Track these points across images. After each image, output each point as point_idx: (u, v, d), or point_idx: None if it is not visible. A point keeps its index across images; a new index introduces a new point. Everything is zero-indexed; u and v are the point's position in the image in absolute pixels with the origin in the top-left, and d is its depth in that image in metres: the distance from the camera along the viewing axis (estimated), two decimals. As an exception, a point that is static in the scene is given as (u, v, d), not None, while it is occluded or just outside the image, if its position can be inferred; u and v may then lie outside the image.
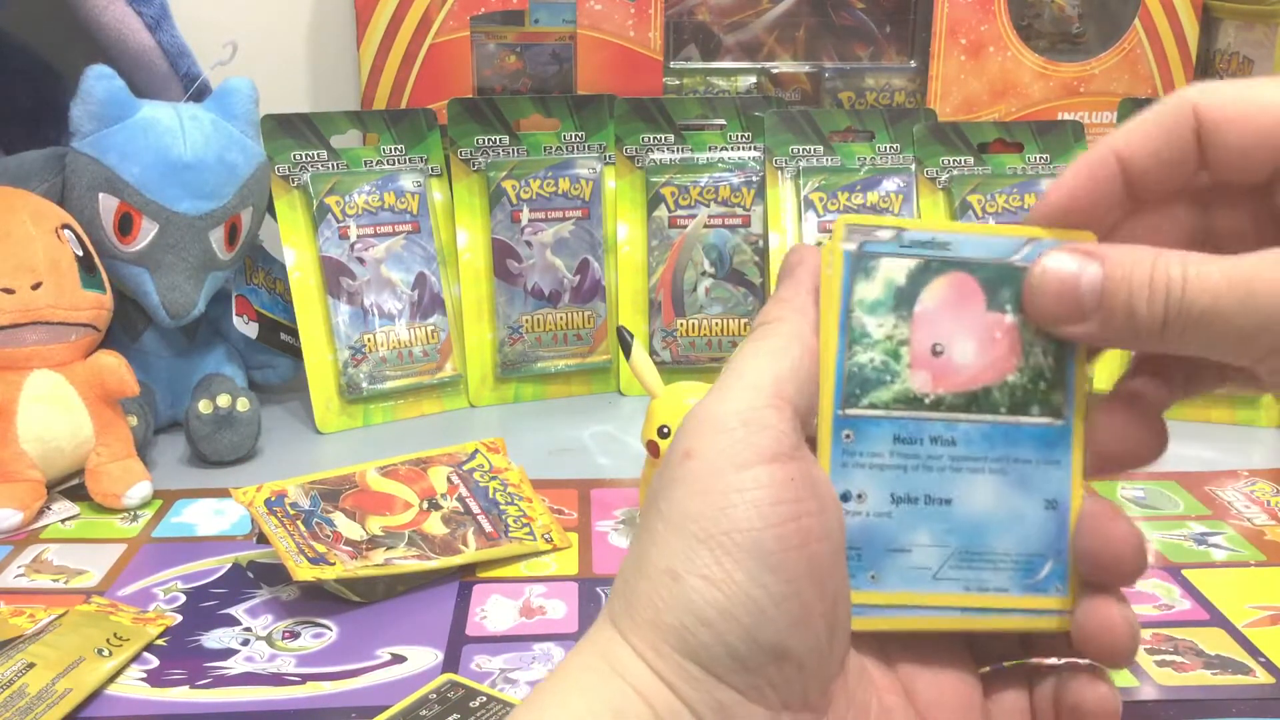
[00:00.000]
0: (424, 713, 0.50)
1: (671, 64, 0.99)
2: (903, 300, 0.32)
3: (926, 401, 0.32)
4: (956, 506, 0.32)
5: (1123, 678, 0.53)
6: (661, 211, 0.90)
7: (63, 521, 0.69)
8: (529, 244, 0.88)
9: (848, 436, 0.32)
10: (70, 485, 0.71)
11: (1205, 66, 1.06)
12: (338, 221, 0.84)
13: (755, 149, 0.91)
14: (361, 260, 0.84)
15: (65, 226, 0.72)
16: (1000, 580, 0.32)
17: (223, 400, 0.75)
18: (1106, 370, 0.89)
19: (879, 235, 0.32)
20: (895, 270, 0.32)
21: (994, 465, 0.32)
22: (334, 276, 0.84)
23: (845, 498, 0.32)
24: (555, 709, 0.29)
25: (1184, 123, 0.30)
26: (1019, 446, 0.32)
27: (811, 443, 0.32)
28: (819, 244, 0.33)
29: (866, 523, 0.32)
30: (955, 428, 0.32)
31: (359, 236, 0.84)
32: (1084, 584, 0.32)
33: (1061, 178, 0.32)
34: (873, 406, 0.32)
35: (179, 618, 0.58)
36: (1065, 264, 0.30)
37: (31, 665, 0.51)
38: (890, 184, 0.91)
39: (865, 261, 0.32)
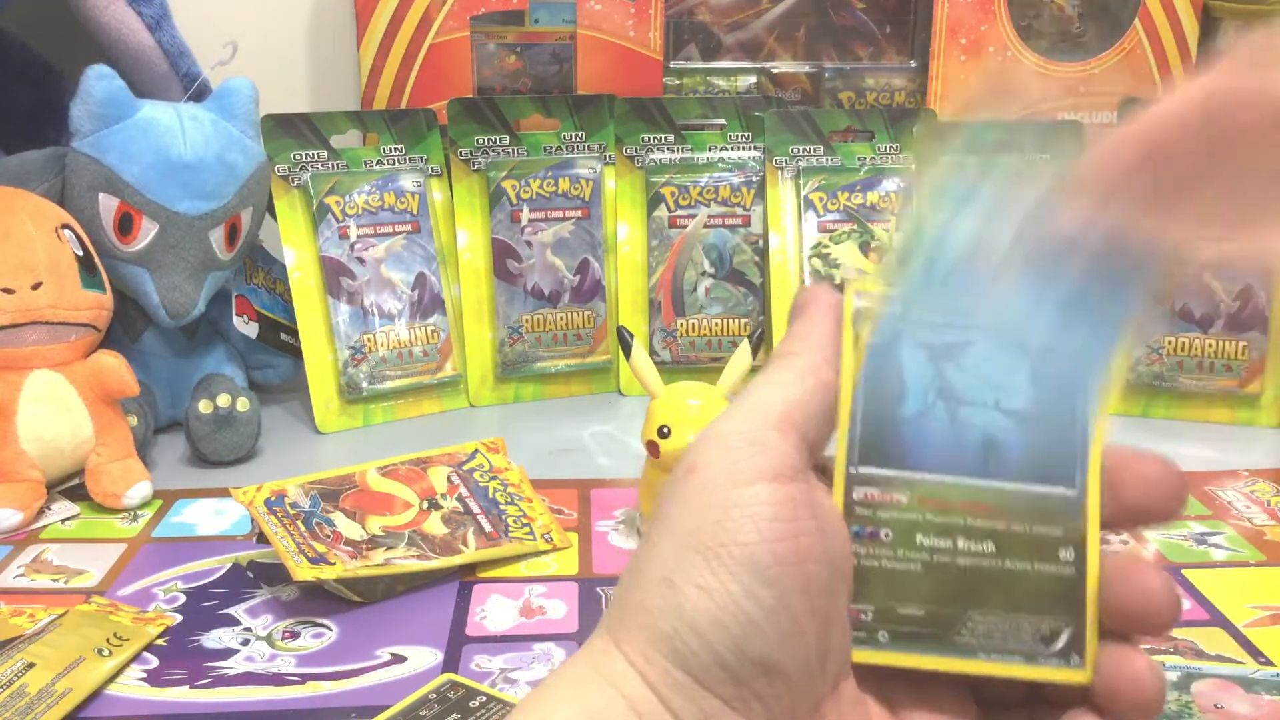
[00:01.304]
0: (424, 713, 0.50)
1: (671, 64, 0.99)
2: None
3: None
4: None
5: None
6: (661, 211, 0.90)
7: (63, 521, 0.69)
8: (529, 244, 0.88)
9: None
10: (70, 485, 0.71)
11: (1205, 67, 1.06)
12: (338, 221, 0.84)
13: (755, 149, 0.91)
14: (361, 260, 0.84)
15: (65, 226, 0.72)
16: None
17: (223, 400, 0.75)
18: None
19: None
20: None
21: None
22: (334, 276, 0.84)
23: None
24: (541, 714, 0.29)
25: (1206, 110, 0.30)
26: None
27: (821, 475, 0.32)
28: (836, 280, 0.33)
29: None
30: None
31: (359, 236, 0.85)
32: (1105, 636, 0.32)
33: (1089, 157, 0.31)
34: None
35: (179, 618, 0.58)
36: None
37: (31, 665, 0.51)
38: (890, 184, 0.91)
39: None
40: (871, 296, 0.33)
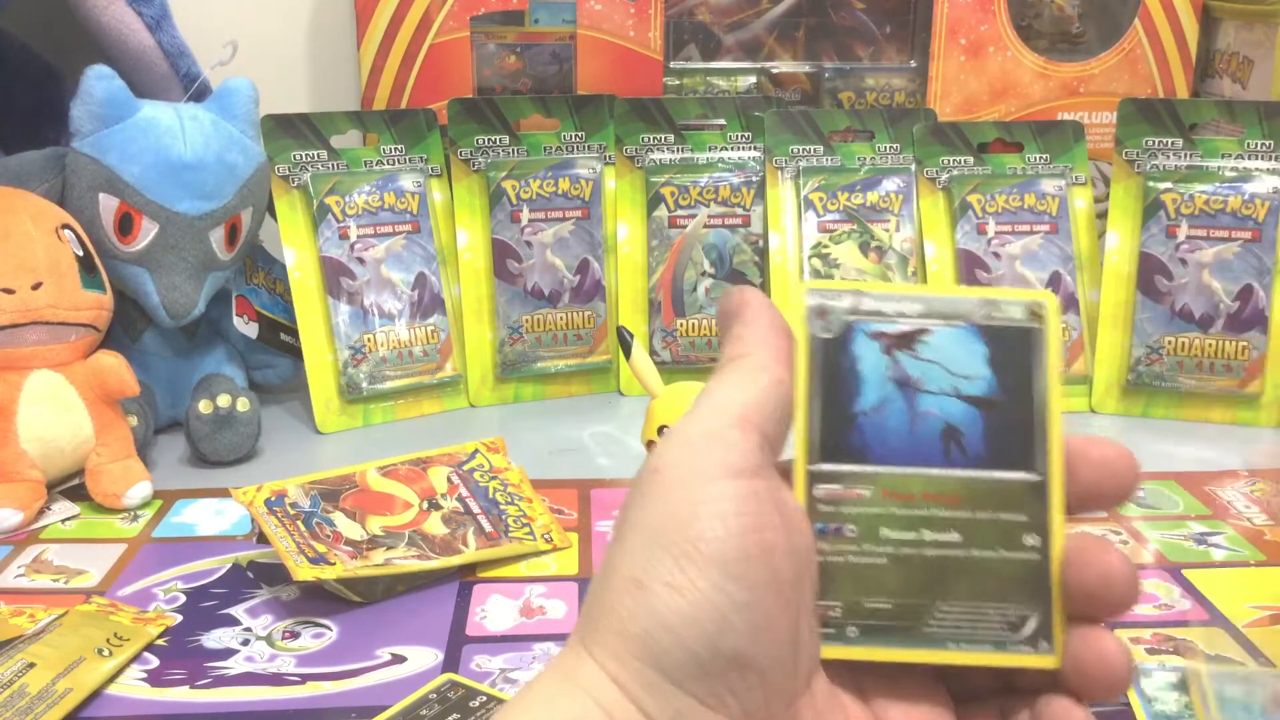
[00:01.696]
0: (424, 713, 0.50)
1: (671, 64, 0.99)
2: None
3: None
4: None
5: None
6: (661, 211, 0.90)
7: (63, 521, 0.69)
8: (529, 244, 0.88)
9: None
10: (70, 485, 0.71)
11: (1205, 67, 1.06)
12: (338, 222, 0.84)
13: (755, 149, 0.91)
14: (361, 260, 0.84)
15: (65, 226, 0.72)
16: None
17: (223, 400, 0.75)
18: (1104, 372, 0.88)
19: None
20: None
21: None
22: (334, 276, 0.84)
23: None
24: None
25: None
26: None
27: (784, 476, 0.32)
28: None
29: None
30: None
31: (359, 236, 0.85)
32: (1070, 618, 0.32)
33: None
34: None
35: (179, 618, 0.58)
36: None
37: (31, 665, 0.51)
38: (890, 184, 0.91)
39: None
40: (822, 294, 0.33)
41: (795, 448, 0.33)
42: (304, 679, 0.53)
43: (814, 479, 0.32)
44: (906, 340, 0.33)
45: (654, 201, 0.90)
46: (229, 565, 0.63)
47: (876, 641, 0.32)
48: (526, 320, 0.88)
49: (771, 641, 0.30)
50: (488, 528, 0.65)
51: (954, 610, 0.32)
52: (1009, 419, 0.32)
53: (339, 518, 0.63)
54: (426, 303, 0.86)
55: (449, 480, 0.67)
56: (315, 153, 0.85)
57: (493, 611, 0.59)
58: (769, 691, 0.30)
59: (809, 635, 0.31)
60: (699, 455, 0.30)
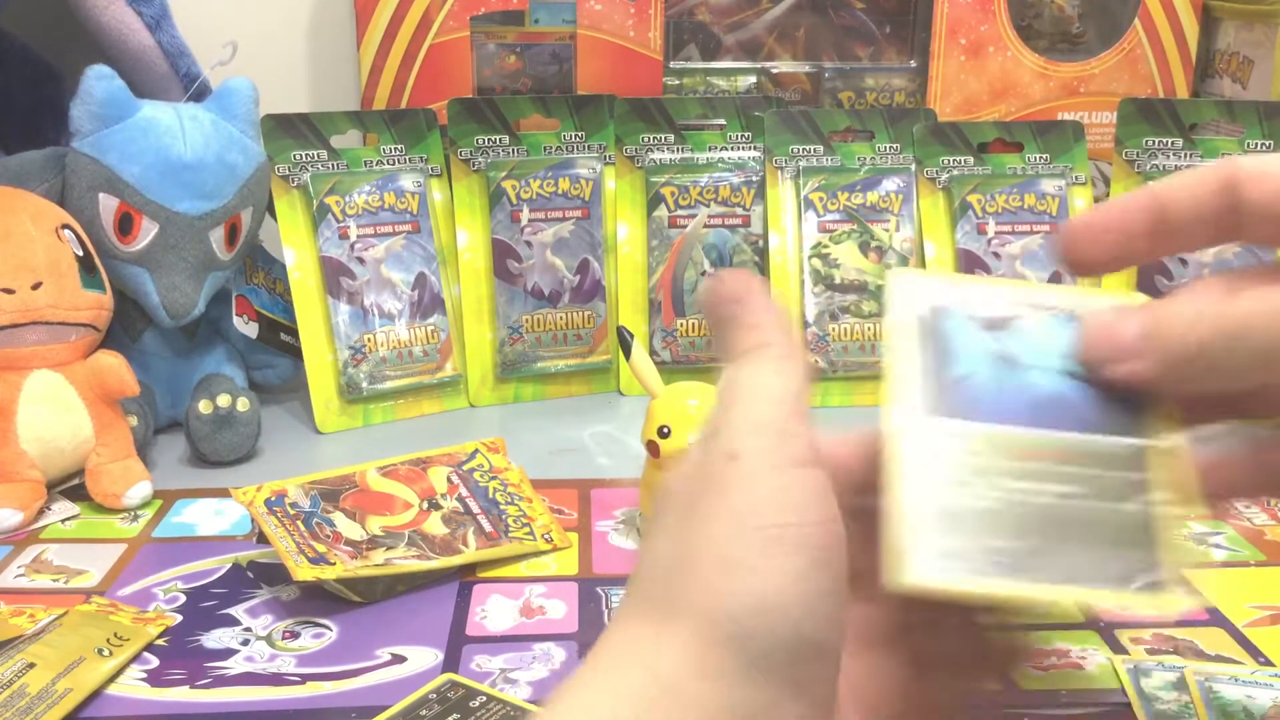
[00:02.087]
0: (424, 713, 0.50)
1: (671, 64, 0.99)
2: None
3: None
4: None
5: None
6: (661, 211, 0.90)
7: (63, 521, 0.69)
8: (529, 244, 0.88)
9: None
10: (70, 485, 0.72)
11: (1205, 67, 1.06)
12: (338, 221, 0.84)
13: (755, 149, 0.91)
14: (361, 260, 0.84)
15: (65, 226, 0.72)
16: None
17: (223, 400, 0.75)
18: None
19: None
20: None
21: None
22: (334, 276, 0.84)
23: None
24: (581, 710, 0.29)
25: (1221, 176, 0.33)
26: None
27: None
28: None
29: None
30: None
31: (359, 236, 0.85)
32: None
33: (1101, 204, 0.35)
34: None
35: (179, 618, 0.58)
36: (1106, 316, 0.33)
37: (31, 665, 0.51)
38: (890, 184, 0.91)
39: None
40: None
41: (889, 412, 0.33)
42: (304, 679, 0.53)
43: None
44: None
45: (654, 201, 0.90)
46: (229, 565, 0.63)
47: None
48: (526, 320, 0.88)
49: (841, 629, 0.30)
50: (488, 528, 0.65)
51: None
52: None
53: (339, 518, 0.63)
54: (426, 303, 0.86)
55: (449, 480, 0.67)
56: (315, 153, 0.85)
57: (493, 611, 0.59)
58: (831, 678, 0.30)
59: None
60: (774, 444, 0.31)
